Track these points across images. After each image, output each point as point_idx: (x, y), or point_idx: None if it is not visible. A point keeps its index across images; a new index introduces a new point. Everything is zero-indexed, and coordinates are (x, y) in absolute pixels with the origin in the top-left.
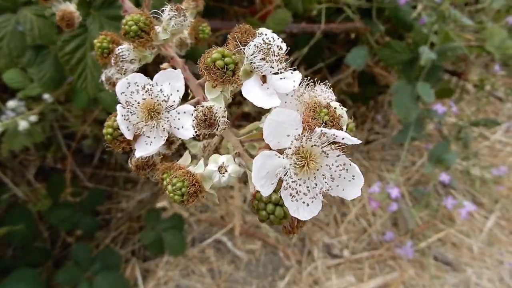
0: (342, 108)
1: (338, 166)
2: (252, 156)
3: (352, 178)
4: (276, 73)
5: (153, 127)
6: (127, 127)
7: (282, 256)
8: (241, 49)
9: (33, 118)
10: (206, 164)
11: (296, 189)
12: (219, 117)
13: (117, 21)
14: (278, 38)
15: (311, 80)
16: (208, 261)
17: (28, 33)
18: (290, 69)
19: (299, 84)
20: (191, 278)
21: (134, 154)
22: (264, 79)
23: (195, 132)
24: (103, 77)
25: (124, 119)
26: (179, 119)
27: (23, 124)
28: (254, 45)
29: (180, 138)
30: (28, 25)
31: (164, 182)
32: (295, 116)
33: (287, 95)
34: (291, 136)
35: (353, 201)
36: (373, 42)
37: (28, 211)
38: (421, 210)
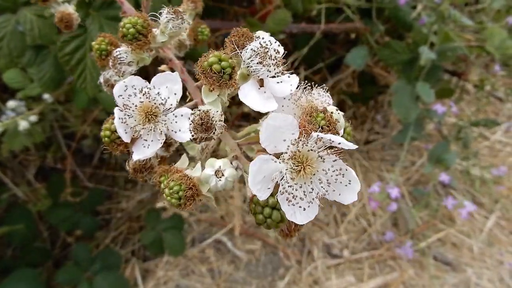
0: (338, 113)
1: (334, 171)
2: (250, 159)
3: (349, 183)
4: (273, 77)
5: (151, 130)
6: (125, 130)
7: (282, 256)
8: (238, 52)
9: (33, 118)
10: (203, 167)
11: (292, 193)
12: (215, 121)
13: (116, 22)
14: (275, 42)
15: (308, 84)
16: (208, 261)
17: (28, 33)
18: (287, 73)
19: (297, 88)
20: (191, 278)
21: (131, 157)
22: (261, 82)
23: (192, 136)
24: (101, 79)
25: (122, 122)
26: (176, 122)
27: (23, 124)
28: (251, 49)
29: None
30: (28, 25)
31: (162, 185)
32: (292, 121)
33: (284, 98)
34: (287, 140)
35: None
36: (373, 42)
37: (28, 211)
38: (421, 210)
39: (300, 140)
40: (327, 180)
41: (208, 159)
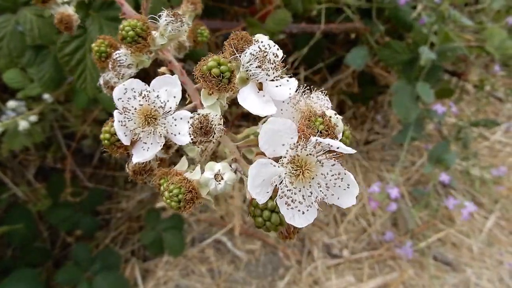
0: (337, 117)
1: (333, 175)
2: (250, 161)
3: (347, 187)
4: (272, 80)
5: (150, 133)
6: (124, 133)
7: (282, 256)
8: (237, 56)
9: (33, 118)
10: (203, 170)
11: (291, 197)
12: (215, 125)
13: (116, 23)
14: (274, 45)
15: (307, 87)
16: (208, 261)
17: (28, 33)
18: (286, 76)
19: (295, 91)
20: (191, 278)
21: (131, 159)
22: (260, 86)
23: (192, 139)
24: (101, 81)
25: (121, 125)
26: (176, 125)
27: (23, 124)
28: (250, 53)
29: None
30: (28, 25)
31: (161, 188)
32: (290, 125)
33: (283, 102)
34: (286, 145)
35: None
36: (373, 42)
37: (28, 211)
38: (420, 210)
39: (299, 144)
40: (326, 184)
41: (207, 161)
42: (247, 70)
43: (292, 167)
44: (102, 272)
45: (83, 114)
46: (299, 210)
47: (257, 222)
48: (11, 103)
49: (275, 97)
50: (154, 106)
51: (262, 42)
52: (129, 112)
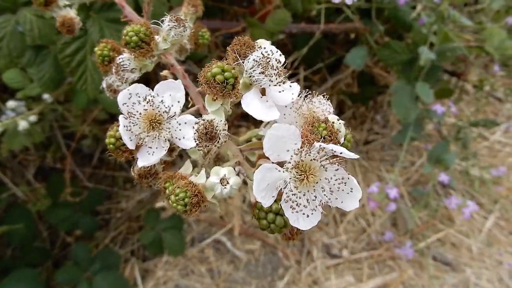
0: (340, 122)
1: (337, 179)
2: (252, 163)
3: (351, 191)
4: (275, 86)
5: (155, 137)
6: (130, 138)
7: (281, 256)
8: (240, 62)
9: (33, 118)
10: (207, 173)
11: (296, 201)
12: (220, 130)
13: (116, 24)
14: (277, 51)
15: (309, 92)
16: (208, 261)
17: (28, 34)
18: (289, 82)
19: (298, 96)
20: (190, 278)
21: (136, 163)
22: (263, 91)
23: (197, 144)
24: (104, 84)
25: (127, 130)
26: (180, 129)
27: (22, 124)
28: (253, 59)
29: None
30: (28, 26)
31: (167, 191)
32: (294, 131)
33: (285, 107)
34: (290, 150)
35: None
36: (373, 42)
37: (27, 211)
38: (420, 210)
39: (303, 150)
40: (330, 188)
41: (211, 164)
42: (250, 76)
43: (297, 172)
44: (102, 272)
45: (83, 114)
46: (303, 214)
47: (262, 225)
48: (11, 103)
49: (278, 102)
50: (159, 111)
51: (264, 48)
52: (134, 117)
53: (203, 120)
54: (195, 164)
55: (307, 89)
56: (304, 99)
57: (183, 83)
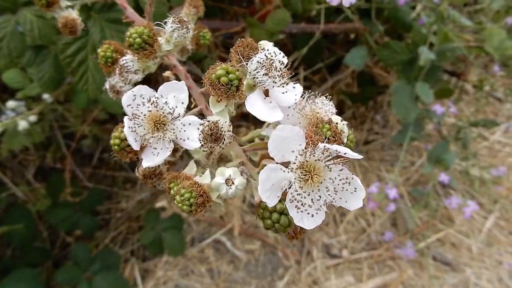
0: (343, 123)
1: (341, 179)
2: (255, 163)
3: (354, 191)
4: (278, 87)
5: (160, 138)
6: (134, 139)
7: (281, 256)
8: (244, 64)
9: (33, 118)
10: (212, 173)
11: (301, 201)
12: (224, 132)
13: (117, 24)
14: (280, 53)
15: (312, 93)
16: (207, 261)
17: (28, 34)
18: (292, 83)
19: (301, 97)
20: (190, 278)
21: (141, 164)
22: (266, 92)
23: (202, 145)
24: (107, 85)
25: (131, 131)
26: (185, 130)
27: (22, 124)
28: (257, 61)
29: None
30: (28, 26)
31: (172, 191)
32: (298, 132)
33: (289, 108)
34: (295, 151)
35: None
36: (372, 42)
37: (27, 211)
38: (420, 210)
39: (308, 150)
40: (334, 188)
41: (215, 164)
42: (254, 78)
43: (302, 172)
44: (102, 272)
45: (83, 114)
46: (308, 213)
47: (266, 224)
48: (11, 103)
49: (281, 103)
50: (163, 112)
51: (268, 50)
52: (138, 118)
53: (208, 121)
54: (198, 164)
55: (308, 89)
56: (307, 100)
57: (186, 84)
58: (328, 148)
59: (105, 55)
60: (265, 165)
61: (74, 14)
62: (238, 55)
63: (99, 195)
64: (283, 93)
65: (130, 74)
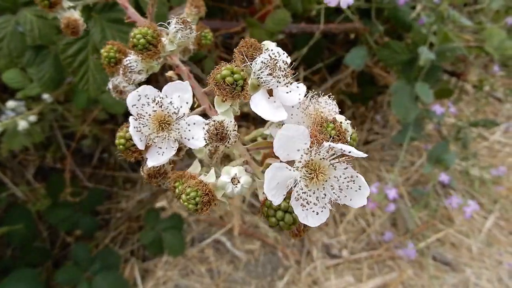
0: (347, 122)
1: (345, 177)
2: (257, 162)
3: (359, 189)
4: (282, 87)
5: (165, 138)
6: (140, 138)
7: (281, 256)
8: (248, 64)
9: (33, 118)
10: (217, 173)
11: (306, 199)
12: (230, 131)
13: (118, 24)
14: (284, 53)
15: (316, 93)
16: (207, 261)
17: (28, 34)
18: (295, 83)
19: (304, 97)
20: (190, 278)
21: (146, 163)
22: (270, 92)
23: (207, 144)
24: (110, 85)
25: (137, 131)
26: (189, 130)
27: (22, 124)
28: (261, 61)
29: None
30: (28, 26)
31: (177, 191)
32: (303, 131)
33: (292, 107)
34: (300, 150)
35: None
36: (372, 42)
37: (27, 211)
38: (420, 210)
39: (313, 149)
40: (339, 186)
41: (218, 163)
42: (258, 78)
43: (307, 171)
44: (102, 272)
45: (83, 114)
46: (313, 211)
47: (271, 222)
48: (11, 103)
49: (285, 102)
50: (168, 112)
51: (272, 50)
52: (143, 118)
53: (214, 120)
54: (200, 164)
55: (308, 90)
56: (310, 99)
57: (189, 83)
58: (333, 147)
59: (109, 55)
60: (270, 164)
61: (76, 14)
62: (242, 55)
63: (99, 195)
64: (287, 92)
65: (134, 74)
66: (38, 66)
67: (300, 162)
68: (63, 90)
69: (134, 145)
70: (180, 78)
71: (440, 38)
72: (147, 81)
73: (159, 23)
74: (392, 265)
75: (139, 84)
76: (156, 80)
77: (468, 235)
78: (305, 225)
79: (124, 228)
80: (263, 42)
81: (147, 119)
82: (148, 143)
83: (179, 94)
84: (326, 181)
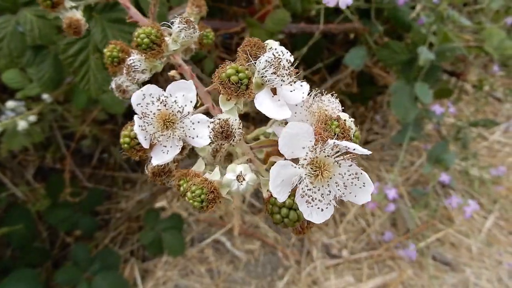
0: (351, 120)
1: (350, 174)
2: (260, 160)
3: (363, 185)
4: (286, 85)
5: (169, 136)
6: (145, 137)
7: (281, 256)
8: (252, 63)
9: (32, 118)
10: (221, 171)
11: (311, 196)
12: (235, 129)
13: (119, 24)
14: (287, 52)
15: (319, 91)
16: (207, 261)
17: (28, 34)
18: (299, 81)
19: (308, 95)
20: (190, 278)
21: (150, 162)
22: (274, 90)
23: (212, 143)
24: (113, 85)
25: (142, 129)
26: (194, 128)
27: (22, 124)
28: (266, 60)
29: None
30: (28, 26)
31: (181, 189)
32: (308, 129)
33: (296, 105)
34: (305, 148)
35: None
36: (372, 42)
37: (27, 211)
38: (420, 210)
39: (318, 147)
40: (344, 183)
41: (222, 161)
42: (262, 76)
43: (312, 168)
44: (101, 272)
45: (83, 114)
46: (318, 208)
47: (275, 219)
48: (10, 103)
49: (289, 101)
50: (172, 111)
51: (276, 49)
52: (148, 117)
53: (219, 119)
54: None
55: (316, 88)
56: (313, 97)
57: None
58: (338, 144)
59: (111, 55)
60: (274, 162)
61: (78, 14)
62: (246, 54)
63: (99, 195)
64: (290, 91)
65: (137, 74)
66: (37, 66)
67: (305, 159)
68: (62, 90)
69: (138, 143)
70: (182, 77)
71: (440, 38)
72: (149, 81)
73: (162, 23)
74: (392, 265)
75: (143, 84)
76: (156, 80)
77: (468, 235)
78: (308, 223)
79: (123, 228)
80: (267, 41)
81: (151, 118)
82: (152, 142)
83: (183, 93)
84: (331, 178)
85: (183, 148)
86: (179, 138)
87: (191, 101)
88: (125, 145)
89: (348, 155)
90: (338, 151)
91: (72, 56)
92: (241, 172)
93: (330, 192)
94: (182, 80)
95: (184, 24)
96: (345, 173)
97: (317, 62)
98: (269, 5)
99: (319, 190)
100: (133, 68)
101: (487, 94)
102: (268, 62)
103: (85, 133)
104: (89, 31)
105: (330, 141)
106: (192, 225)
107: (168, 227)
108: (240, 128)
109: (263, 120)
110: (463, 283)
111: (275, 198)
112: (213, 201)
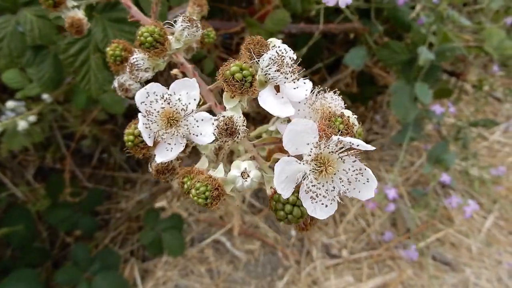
0: (354, 117)
1: (354, 170)
2: (263, 157)
3: (367, 181)
4: (290, 83)
5: (173, 134)
6: (149, 135)
7: (281, 256)
8: (256, 60)
9: (32, 118)
10: (224, 169)
11: (316, 192)
12: (239, 126)
13: (119, 23)
14: (290, 50)
15: (322, 89)
16: (207, 261)
17: (28, 34)
18: (302, 79)
19: (311, 92)
20: (190, 278)
21: (154, 159)
22: (277, 88)
23: (216, 140)
24: (115, 84)
25: (146, 127)
26: (198, 126)
27: (22, 124)
28: (269, 58)
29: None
30: (28, 26)
31: (185, 186)
32: (312, 125)
33: (299, 103)
34: (310, 144)
35: (351, 201)
36: (372, 42)
37: (27, 211)
38: (420, 210)
39: (322, 143)
40: (348, 179)
41: (225, 159)
42: (266, 74)
43: (316, 164)
44: (101, 272)
45: (82, 114)
46: (322, 204)
47: (279, 216)
48: (10, 103)
49: (292, 98)
50: (176, 109)
51: (279, 47)
52: (152, 115)
53: (223, 116)
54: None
55: (319, 86)
56: (316, 95)
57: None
58: (342, 141)
59: (114, 54)
60: (278, 158)
61: (80, 14)
62: (249, 52)
63: (99, 195)
64: (294, 88)
65: (140, 72)
66: (37, 66)
67: (310, 155)
68: (62, 90)
69: (142, 141)
70: (185, 75)
71: (440, 38)
72: (151, 79)
73: (165, 21)
74: (392, 265)
75: (145, 82)
76: (156, 80)
77: (468, 235)
78: (312, 219)
79: (123, 228)
80: (270, 39)
81: (155, 116)
82: (156, 140)
83: (186, 91)
84: (335, 174)
85: (186, 146)
86: (183, 135)
87: (194, 99)
88: (129, 143)
89: (352, 151)
90: (342, 147)
91: (72, 56)
92: (245, 168)
93: (334, 188)
94: (186, 78)
95: (187, 23)
96: (349, 169)
97: (317, 62)
98: (269, 5)
99: (323, 186)
100: (136, 67)
101: (487, 94)
102: (272, 59)
103: (85, 133)
104: (89, 31)
105: (334, 137)
106: (192, 225)
107: (168, 227)
108: (244, 125)
109: (263, 120)
110: (463, 283)
111: (279, 195)
112: (217, 198)
